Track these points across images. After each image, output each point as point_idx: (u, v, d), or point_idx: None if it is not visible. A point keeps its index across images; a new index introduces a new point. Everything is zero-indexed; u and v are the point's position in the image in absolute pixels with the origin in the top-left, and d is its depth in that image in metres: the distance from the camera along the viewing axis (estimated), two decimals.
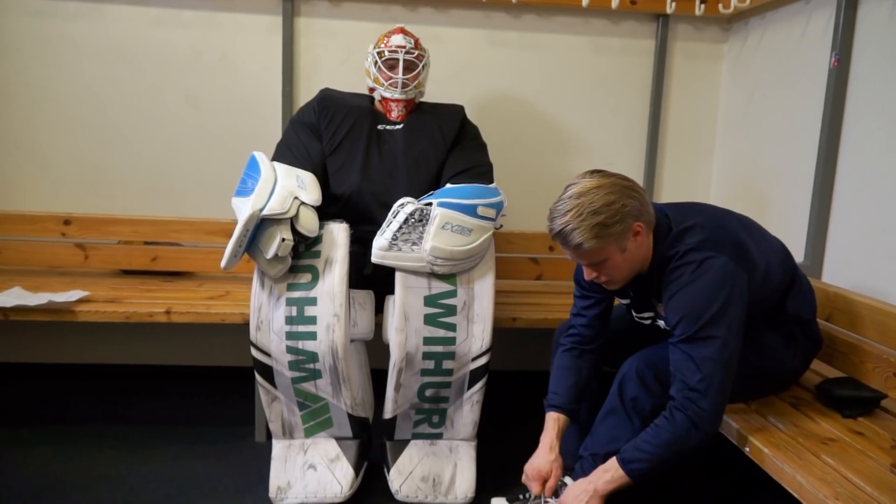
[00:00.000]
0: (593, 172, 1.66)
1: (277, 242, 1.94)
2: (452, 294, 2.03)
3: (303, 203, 2.04)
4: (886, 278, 2.03)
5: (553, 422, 1.89)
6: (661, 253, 1.69)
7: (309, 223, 2.03)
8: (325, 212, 2.32)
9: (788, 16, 2.55)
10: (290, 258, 2.02)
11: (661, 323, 1.82)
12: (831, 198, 2.26)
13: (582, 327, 1.94)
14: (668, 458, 1.60)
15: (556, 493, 1.82)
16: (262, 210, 1.95)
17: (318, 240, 2.03)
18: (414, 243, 2.04)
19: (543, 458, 1.84)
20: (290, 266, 2.03)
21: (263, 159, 2.14)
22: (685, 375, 1.59)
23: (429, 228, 2.03)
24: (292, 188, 2.06)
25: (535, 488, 1.82)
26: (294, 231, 2.00)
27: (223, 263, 1.95)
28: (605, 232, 1.58)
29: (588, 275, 1.72)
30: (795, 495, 1.43)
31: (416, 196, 2.27)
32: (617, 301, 1.95)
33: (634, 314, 1.91)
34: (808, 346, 1.88)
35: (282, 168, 2.15)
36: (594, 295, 1.90)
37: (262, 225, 1.98)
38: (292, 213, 1.99)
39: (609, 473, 1.64)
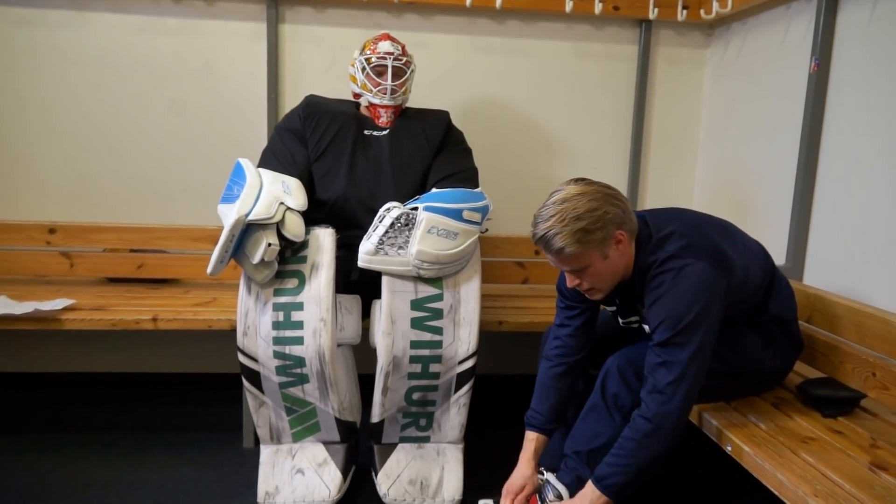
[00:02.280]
0: (578, 180, 1.68)
1: (263, 247, 1.95)
2: (439, 298, 2.04)
3: (289, 208, 2.05)
4: (866, 280, 2.06)
5: (531, 442, 1.92)
6: (642, 260, 1.71)
7: (295, 228, 2.04)
8: (312, 217, 2.33)
9: (769, 21, 2.59)
10: (276, 263, 2.03)
11: (646, 326, 1.85)
12: (812, 201, 2.30)
13: (567, 338, 1.95)
14: (640, 465, 1.62)
15: (539, 494, 1.84)
16: (247, 215, 1.95)
17: (304, 245, 2.04)
18: (400, 247, 2.05)
19: (518, 474, 1.89)
20: (276, 271, 2.04)
21: (249, 165, 2.15)
22: (656, 378, 1.62)
23: (415, 232, 2.05)
24: (278, 193, 2.06)
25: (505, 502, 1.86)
26: (280, 236, 2.01)
27: (210, 269, 1.95)
28: (587, 238, 1.61)
29: (570, 282, 1.73)
30: (776, 493, 1.45)
31: (402, 201, 2.29)
32: (603, 308, 1.97)
33: (621, 320, 1.93)
34: (789, 347, 1.91)
35: (267, 174, 2.15)
36: (578, 305, 1.91)
37: (248, 230, 1.98)
38: (278, 217, 1.99)
39: (588, 498, 1.65)
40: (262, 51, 2.79)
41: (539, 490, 1.85)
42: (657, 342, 1.63)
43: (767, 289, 1.84)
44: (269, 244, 1.95)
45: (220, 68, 2.81)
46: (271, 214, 1.98)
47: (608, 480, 1.63)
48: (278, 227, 2.01)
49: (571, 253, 1.62)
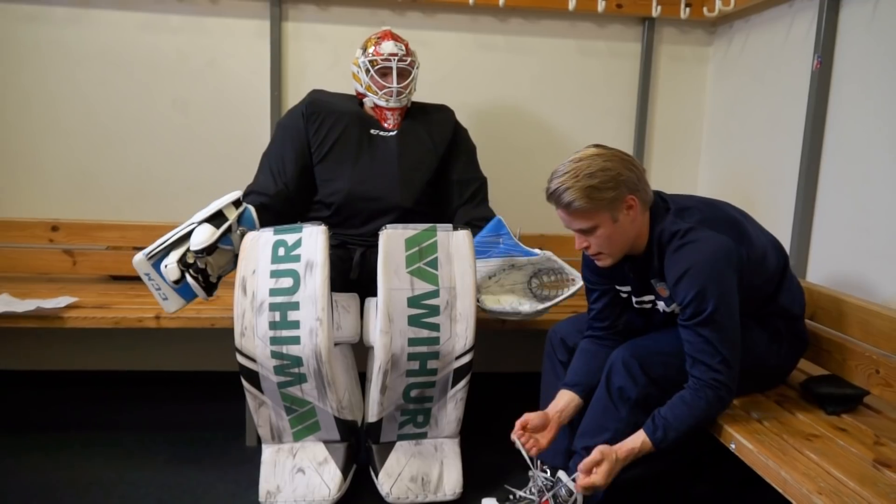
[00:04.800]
0: (596, 145, 1.74)
1: (162, 269, 2.04)
2: (435, 294, 2.03)
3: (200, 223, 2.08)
4: (869, 277, 2.05)
5: (560, 395, 1.91)
6: (661, 230, 1.73)
7: (196, 238, 2.04)
8: (317, 217, 2.35)
9: (772, 19, 2.58)
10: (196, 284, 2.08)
11: (661, 305, 1.85)
12: (815, 198, 2.29)
13: (594, 321, 2.00)
14: (695, 428, 1.68)
15: (551, 490, 1.82)
16: (147, 254, 2.05)
17: (297, 244, 2.03)
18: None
19: (537, 413, 1.86)
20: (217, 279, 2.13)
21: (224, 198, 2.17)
22: (706, 358, 1.64)
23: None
24: (193, 219, 2.09)
25: (514, 431, 1.84)
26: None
27: (164, 309, 2.14)
28: (597, 195, 1.65)
29: (578, 244, 1.76)
30: (780, 490, 1.45)
31: (410, 202, 2.31)
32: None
33: (634, 300, 1.94)
34: (795, 344, 1.90)
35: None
36: (598, 287, 1.97)
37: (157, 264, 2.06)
38: (172, 241, 2.05)
39: (638, 443, 1.67)
40: (265, 48, 2.79)
41: (550, 488, 1.83)
42: (692, 321, 1.65)
43: (780, 280, 1.84)
44: (166, 265, 2.02)
45: (224, 66, 2.81)
46: (162, 240, 2.05)
47: (661, 436, 1.65)
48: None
49: (580, 208, 1.66)
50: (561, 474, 1.82)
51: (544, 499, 1.82)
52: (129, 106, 2.79)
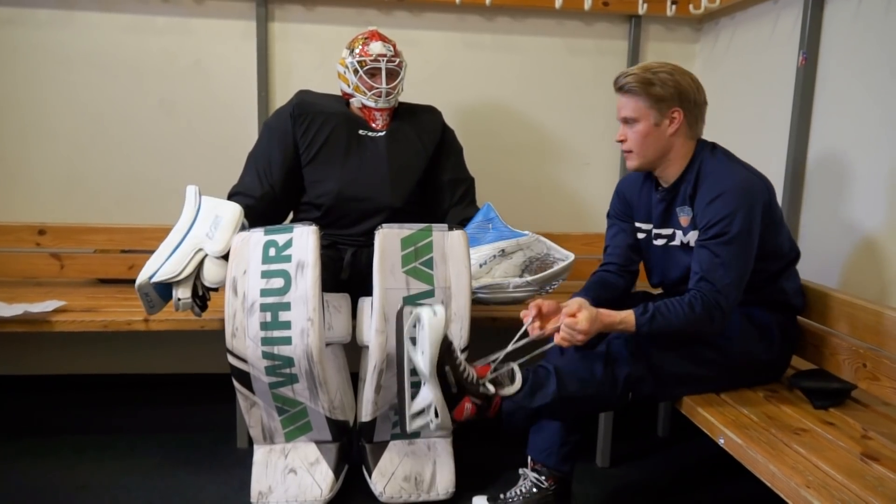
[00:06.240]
0: (677, 66, 1.84)
1: (174, 302, 2.04)
2: (430, 294, 2.04)
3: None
4: (856, 272, 2.07)
5: (572, 300, 1.86)
6: (703, 159, 1.85)
7: (212, 276, 2.05)
8: (306, 218, 2.34)
9: (757, 15, 2.60)
10: (197, 308, 2.10)
11: (679, 235, 1.88)
12: (801, 194, 2.30)
13: (610, 255, 2.06)
14: (684, 333, 1.75)
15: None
16: (151, 278, 2.01)
17: (288, 244, 2.03)
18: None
19: (550, 301, 1.84)
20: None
21: (189, 199, 2.17)
22: (714, 277, 1.71)
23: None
24: (199, 239, 2.08)
25: (528, 312, 1.82)
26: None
27: (146, 313, 2.11)
28: (648, 89, 1.77)
29: (619, 134, 1.87)
30: (768, 484, 1.46)
31: (400, 202, 2.32)
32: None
33: (654, 232, 1.96)
34: (784, 341, 1.91)
35: (207, 206, 2.15)
36: (620, 222, 2.06)
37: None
38: (185, 274, 2.02)
39: (623, 325, 1.73)
40: (251, 49, 2.78)
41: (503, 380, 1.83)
42: (716, 241, 1.72)
43: (787, 264, 1.91)
44: (179, 299, 2.03)
45: (210, 67, 2.80)
46: (176, 273, 2.01)
47: (647, 319, 1.71)
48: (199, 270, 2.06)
49: (630, 90, 1.79)
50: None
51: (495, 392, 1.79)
52: (115, 108, 2.77)
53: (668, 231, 1.92)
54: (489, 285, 2.23)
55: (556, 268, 2.25)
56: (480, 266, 2.25)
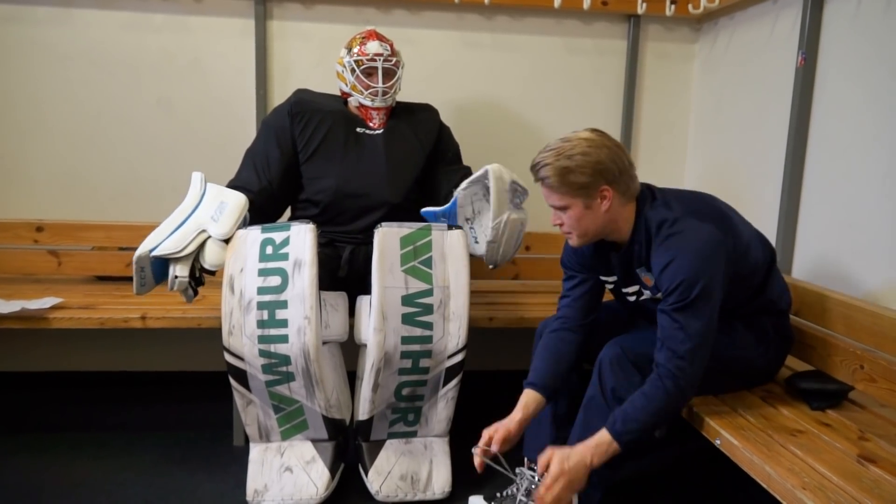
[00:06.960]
0: (594, 130, 1.75)
1: (170, 280, 2.02)
2: (429, 293, 2.04)
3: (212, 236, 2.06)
4: (853, 273, 2.07)
5: (523, 397, 1.89)
6: (647, 219, 1.74)
7: (212, 258, 2.05)
8: (304, 215, 2.34)
9: (756, 15, 2.59)
10: (192, 290, 2.08)
11: (647, 293, 1.85)
12: (800, 194, 2.30)
13: (567, 308, 1.98)
14: (656, 422, 1.68)
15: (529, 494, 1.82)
16: (152, 251, 2.00)
17: (285, 242, 2.03)
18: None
19: (500, 422, 1.85)
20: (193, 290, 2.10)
21: (195, 183, 2.17)
22: (674, 344, 1.65)
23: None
24: (203, 221, 2.07)
25: (482, 440, 1.83)
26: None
27: (133, 291, 2.05)
28: (570, 178, 1.68)
29: (553, 219, 1.80)
30: (764, 486, 1.46)
31: (398, 200, 2.31)
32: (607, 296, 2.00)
33: (623, 290, 1.93)
34: (780, 343, 1.91)
35: (212, 192, 2.16)
36: (578, 274, 1.97)
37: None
38: (187, 251, 2.01)
39: (603, 447, 1.67)
40: (250, 47, 2.78)
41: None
42: (673, 307, 1.65)
43: (767, 272, 1.85)
44: (176, 276, 2.01)
45: (209, 65, 2.80)
46: (178, 249, 2.00)
47: (628, 436, 1.66)
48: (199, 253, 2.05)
49: (551, 185, 1.71)
50: (526, 471, 1.82)
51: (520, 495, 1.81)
52: (113, 105, 2.77)
53: (635, 288, 1.89)
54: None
55: (478, 174, 2.19)
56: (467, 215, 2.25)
